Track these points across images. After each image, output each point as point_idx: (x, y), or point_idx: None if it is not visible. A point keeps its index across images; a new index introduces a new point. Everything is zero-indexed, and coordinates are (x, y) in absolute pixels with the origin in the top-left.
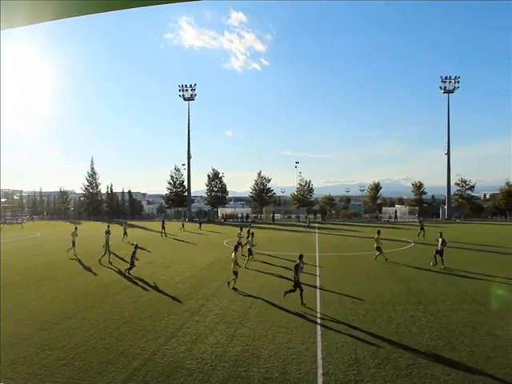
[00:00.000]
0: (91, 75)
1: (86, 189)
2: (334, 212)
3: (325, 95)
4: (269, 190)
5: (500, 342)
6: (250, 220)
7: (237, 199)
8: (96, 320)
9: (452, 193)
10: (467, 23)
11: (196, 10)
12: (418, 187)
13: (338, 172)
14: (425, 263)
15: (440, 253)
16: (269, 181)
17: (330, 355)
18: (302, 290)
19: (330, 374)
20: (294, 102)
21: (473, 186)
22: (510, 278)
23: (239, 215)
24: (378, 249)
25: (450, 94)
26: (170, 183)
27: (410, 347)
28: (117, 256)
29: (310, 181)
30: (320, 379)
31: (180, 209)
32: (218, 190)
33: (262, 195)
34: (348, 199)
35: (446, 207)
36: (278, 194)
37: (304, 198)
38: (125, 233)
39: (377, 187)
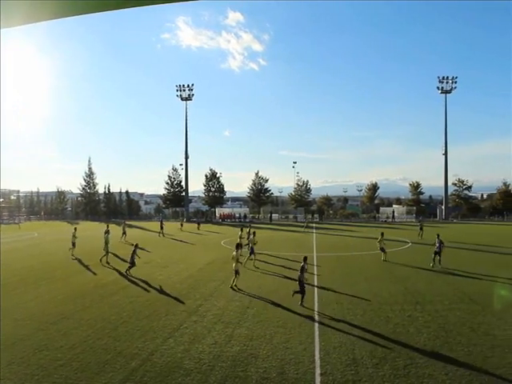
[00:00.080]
0: (88, 75)
1: (83, 189)
2: (331, 212)
3: (322, 95)
4: (266, 190)
5: (497, 342)
6: (247, 220)
7: (234, 199)
8: (94, 320)
9: (449, 193)
10: (464, 23)
11: (193, 10)
12: (416, 187)
13: (335, 172)
14: (422, 263)
15: (438, 253)
16: (266, 181)
17: (327, 355)
18: (301, 293)
19: (328, 374)
20: (292, 101)
21: (470, 186)
22: (508, 277)
23: (237, 215)
24: (382, 250)
25: (448, 95)
26: (167, 183)
27: (407, 347)
28: (116, 256)
29: (307, 181)
30: (318, 379)
31: (178, 209)
32: (215, 190)
33: (260, 195)
34: (346, 199)
35: (443, 207)
36: (275, 194)
37: (301, 198)
38: (124, 232)
39: (374, 187)
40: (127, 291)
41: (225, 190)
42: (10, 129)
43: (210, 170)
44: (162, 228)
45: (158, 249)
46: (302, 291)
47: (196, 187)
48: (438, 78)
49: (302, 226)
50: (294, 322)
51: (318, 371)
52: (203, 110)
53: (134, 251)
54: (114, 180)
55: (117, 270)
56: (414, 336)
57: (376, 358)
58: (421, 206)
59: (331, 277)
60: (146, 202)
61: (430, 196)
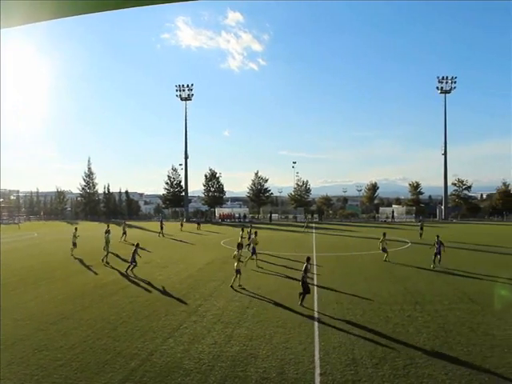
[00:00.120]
0: (88, 75)
1: (82, 189)
2: (331, 212)
3: (322, 95)
4: (266, 190)
5: (497, 342)
6: (247, 220)
7: (234, 199)
8: (93, 320)
9: (449, 193)
10: (464, 23)
11: (193, 10)
12: (415, 187)
13: (335, 172)
14: (422, 263)
15: (438, 254)
16: (266, 181)
17: (327, 355)
18: (305, 293)
19: (328, 374)
20: (291, 101)
21: (469, 186)
22: (507, 277)
23: (236, 215)
24: (384, 250)
25: (447, 95)
26: (167, 183)
27: (407, 347)
28: (117, 256)
29: (307, 181)
30: (317, 379)
31: (177, 209)
32: (215, 190)
33: (260, 195)
34: (345, 199)
35: (442, 207)
36: (275, 194)
37: (301, 198)
38: (124, 232)
39: (374, 187)
40: (127, 291)
41: (224, 190)
42: (9, 129)
43: (210, 170)
44: (161, 228)
45: (157, 249)
46: (305, 291)
47: (195, 187)
48: (438, 78)
49: (302, 226)
50: (294, 322)
51: (317, 371)
52: (203, 110)
53: (135, 251)
54: (113, 180)
55: (117, 270)
56: (413, 336)
57: (376, 358)
58: (420, 206)
59: (331, 277)
60: (146, 202)
61: (430, 196)
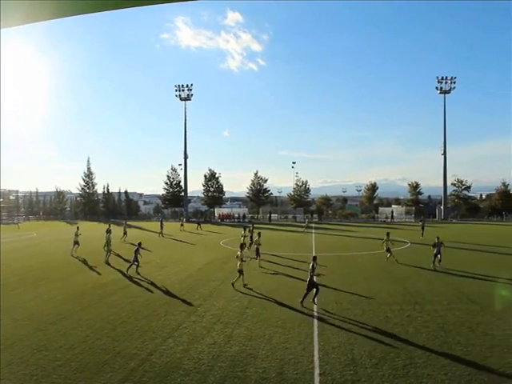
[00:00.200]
0: (87, 75)
1: (82, 189)
2: (330, 212)
3: (321, 95)
4: (265, 190)
5: (496, 342)
6: (246, 220)
7: (233, 199)
8: (92, 320)
9: (448, 193)
10: (464, 23)
11: (192, 10)
12: (415, 187)
13: (334, 172)
14: (421, 263)
15: (438, 254)
16: (265, 181)
17: (326, 355)
18: (307, 293)
19: (327, 374)
20: (291, 101)
21: (469, 187)
22: (507, 278)
23: (236, 215)
24: (388, 250)
25: (447, 95)
26: (166, 183)
27: (406, 347)
28: (118, 256)
29: (306, 181)
30: (317, 379)
31: (177, 209)
32: (214, 190)
33: (259, 195)
34: (345, 199)
35: (442, 207)
36: (274, 194)
37: (301, 199)
38: (125, 232)
39: (373, 187)
40: (126, 291)
41: (224, 190)
42: (9, 129)
43: (209, 170)
44: (161, 228)
45: (157, 249)
46: (313, 290)
47: (195, 187)
48: (437, 78)
49: (302, 226)
50: (293, 322)
51: (317, 371)
52: (202, 110)
53: (137, 250)
54: (112, 180)
55: (117, 270)
56: (413, 336)
57: (375, 358)
58: (420, 206)
59: (330, 277)
60: (145, 202)
61: (429, 196)
